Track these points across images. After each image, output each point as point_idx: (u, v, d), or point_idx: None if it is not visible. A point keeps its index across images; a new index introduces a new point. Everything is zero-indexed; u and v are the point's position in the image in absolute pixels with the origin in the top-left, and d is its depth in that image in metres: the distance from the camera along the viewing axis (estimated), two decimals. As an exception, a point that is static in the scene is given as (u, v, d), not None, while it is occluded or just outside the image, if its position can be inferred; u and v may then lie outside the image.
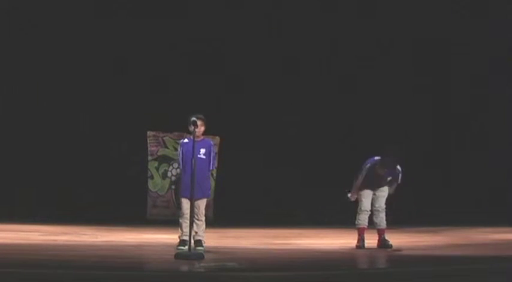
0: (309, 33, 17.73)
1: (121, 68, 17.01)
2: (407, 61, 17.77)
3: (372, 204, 11.04)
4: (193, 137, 9.78)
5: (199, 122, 10.13)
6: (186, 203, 10.29)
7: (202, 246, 10.36)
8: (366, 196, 11.01)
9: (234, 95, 17.42)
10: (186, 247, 9.51)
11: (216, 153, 17.07)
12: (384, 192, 11.06)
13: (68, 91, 16.93)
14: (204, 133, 10.63)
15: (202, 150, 10.37)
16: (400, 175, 11.07)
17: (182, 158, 10.51)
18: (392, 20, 17.59)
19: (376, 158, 10.94)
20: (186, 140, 10.48)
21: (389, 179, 11.04)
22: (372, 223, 11.10)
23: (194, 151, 9.64)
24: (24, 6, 16.56)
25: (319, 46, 17.81)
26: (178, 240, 10.39)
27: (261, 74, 17.56)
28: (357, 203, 11.15)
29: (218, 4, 17.39)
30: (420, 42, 17.74)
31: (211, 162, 10.54)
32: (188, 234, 9.60)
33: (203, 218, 10.48)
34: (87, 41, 16.92)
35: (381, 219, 11.01)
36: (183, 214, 10.34)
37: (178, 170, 10.93)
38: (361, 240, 10.98)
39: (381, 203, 11.03)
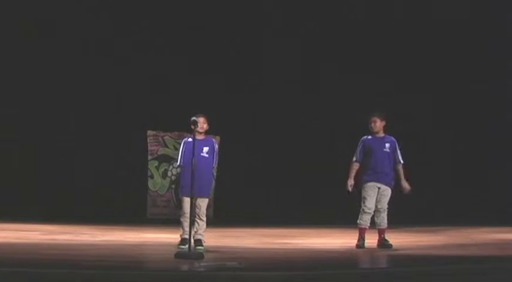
0: (307, 32, 17.73)
1: (121, 68, 17.01)
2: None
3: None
4: (194, 137, 9.84)
5: (201, 119, 10.32)
6: (187, 202, 10.35)
7: (202, 245, 10.39)
8: (371, 195, 10.98)
9: (234, 95, 17.42)
10: (187, 246, 9.53)
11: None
12: (387, 191, 11.04)
13: (68, 91, 16.93)
14: (206, 132, 10.72)
15: (205, 149, 10.52)
16: (398, 149, 11.12)
17: (183, 155, 10.63)
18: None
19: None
20: (189, 139, 10.46)
21: (387, 145, 11.07)
22: (372, 223, 11.08)
23: (195, 151, 9.68)
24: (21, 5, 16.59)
25: (321, 43, 17.80)
26: (180, 239, 10.42)
27: (261, 74, 17.55)
28: (359, 201, 11.11)
29: (217, 4, 17.40)
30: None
31: (214, 160, 10.69)
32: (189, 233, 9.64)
33: (204, 218, 10.53)
34: (87, 40, 16.93)
35: (382, 219, 10.99)
36: (184, 213, 10.38)
37: (178, 168, 11.08)
38: (361, 239, 10.96)
39: (384, 204, 11.00)
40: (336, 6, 17.75)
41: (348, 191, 11.08)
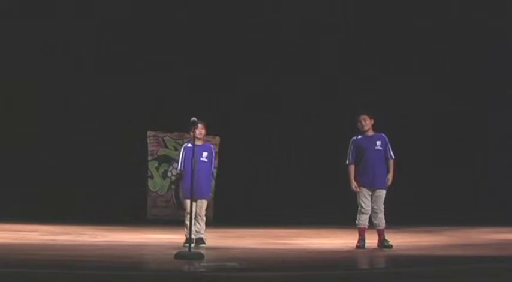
0: (306, 31, 17.74)
1: (121, 68, 17.03)
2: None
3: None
4: (193, 136, 9.98)
5: (200, 125, 10.64)
6: (189, 204, 10.54)
7: (204, 242, 10.78)
8: (365, 195, 10.99)
9: (234, 94, 17.42)
10: (193, 245, 9.67)
11: (216, 153, 17.29)
12: (382, 192, 11.03)
13: (68, 91, 16.96)
14: (205, 133, 10.98)
15: (205, 154, 10.91)
16: (389, 144, 11.09)
17: (183, 160, 10.96)
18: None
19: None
20: (189, 145, 10.82)
21: (378, 143, 11.05)
22: (371, 223, 11.08)
23: (194, 151, 9.79)
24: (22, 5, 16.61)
25: (321, 43, 17.81)
26: (185, 238, 10.56)
27: (261, 73, 17.56)
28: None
29: (215, 5, 17.42)
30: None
31: (213, 164, 11.15)
32: (193, 232, 9.85)
33: (204, 218, 10.92)
34: (87, 39, 16.95)
35: (380, 219, 10.98)
36: (188, 214, 10.57)
37: (177, 170, 11.37)
38: (361, 240, 10.96)
39: (379, 204, 11.00)
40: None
41: (355, 190, 11.08)
